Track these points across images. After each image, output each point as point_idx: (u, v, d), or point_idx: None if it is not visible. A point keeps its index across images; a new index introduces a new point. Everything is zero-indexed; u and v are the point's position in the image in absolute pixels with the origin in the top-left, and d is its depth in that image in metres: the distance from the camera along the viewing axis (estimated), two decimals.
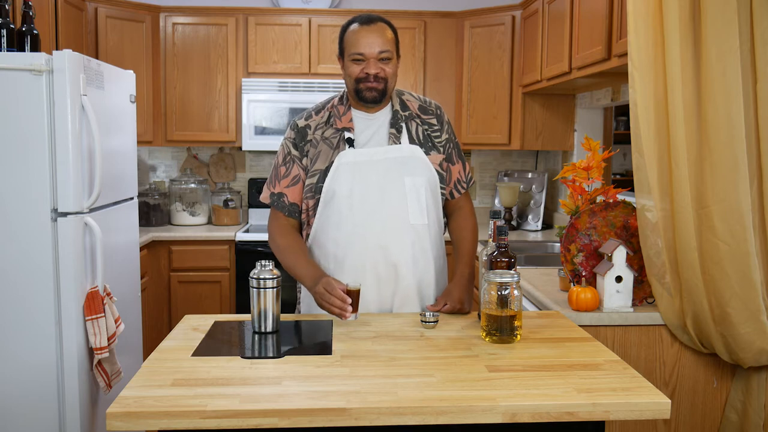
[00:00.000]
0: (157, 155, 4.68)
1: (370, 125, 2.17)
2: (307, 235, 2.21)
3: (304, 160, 2.17)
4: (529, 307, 2.49)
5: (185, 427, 1.37)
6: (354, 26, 2.11)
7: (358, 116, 2.17)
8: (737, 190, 1.98)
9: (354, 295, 1.90)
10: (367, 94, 2.10)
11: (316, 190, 2.13)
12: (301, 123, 2.20)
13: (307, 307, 2.21)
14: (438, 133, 2.21)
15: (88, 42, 3.93)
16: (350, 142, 2.13)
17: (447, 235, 2.32)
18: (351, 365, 1.63)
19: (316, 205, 2.15)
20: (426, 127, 2.20)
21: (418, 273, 2.15)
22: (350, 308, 1.90)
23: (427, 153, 2.16)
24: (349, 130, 2.15)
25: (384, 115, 2.18)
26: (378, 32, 2.08)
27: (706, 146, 2.01)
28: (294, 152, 2.18)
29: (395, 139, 2.15)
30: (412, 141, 2.16)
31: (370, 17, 2.12)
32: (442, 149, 2.21)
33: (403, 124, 2.17)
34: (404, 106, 2.21)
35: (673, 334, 2.21)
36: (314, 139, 2.17)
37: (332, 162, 2.12)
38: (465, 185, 2.29)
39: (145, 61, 4.16)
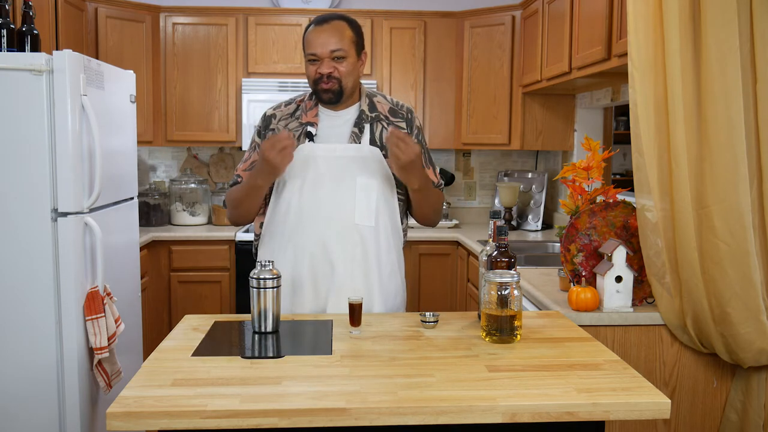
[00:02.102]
0: (157, 155, 4.68)
1: (334, 122, 2.19)
2: (261, 223, 2.24)
3: None
4: (529, 307, 2.49)
5: (185, 427, 1.37)
6: (311, 27, 2.14)
7: (324, 112, 2.21)
8: (737, 190, 1.98)
9: (356, 308, 1.89)
10: (323, 95, 2.14)
11: None
12: (269, 112, 2.28)
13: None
14: None
15: (88, 42, 3.93)
16: (309, 136, 2.15)
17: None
18: (351, 365, 1.63)
19: (271, 193, 2.21)
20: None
21: (356, 275, 2.13)
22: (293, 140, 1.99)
23: (387, 155, 2.13)
24: (313, 125, 2.18)
25: (350, 113, 2.20)
26: (330, 31, 2.09)
27: (706, 146, 2.01)
28: (257, 139, 2.27)
29: (356, 138, 2.16)
30: (372, 142, 2.17)
31: (325, 17, 2.14)
32: None
33: (367, 125, 2.18)
34: (373, 107, 2.21)
35: (673, 334, 2.21)
36: (276, 129, 2.21)
37: None
38: (437, 187, 2.28)
39: (145, 61, 4.16)
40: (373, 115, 2.20)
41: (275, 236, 2.18)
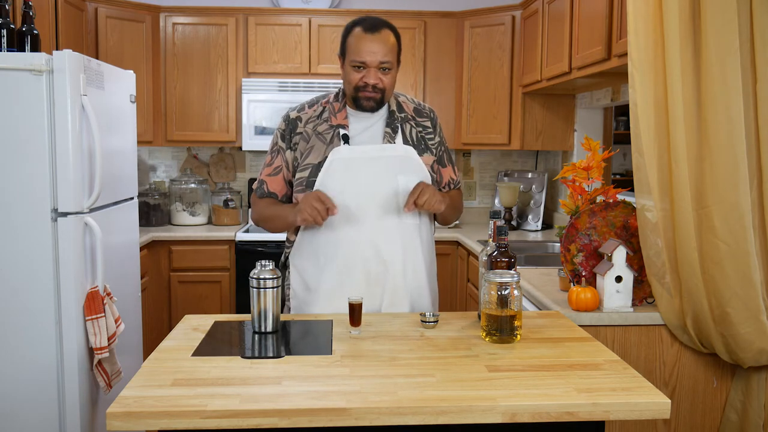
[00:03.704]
0: (157, 155, 4.68)
1: (365, 124, 2.18)
2: (297, 229, 2.22)
3: (288, 153, 2.20)
4: (529, 307, 2.49)
5: (185, 427, 1.37)
6: (358, 31, 2.09)
7: (353, 114, 2.19)
8: (737, 190, 1.98)
9: (356, 308, 1.89)
10: (365, 103, 2.12)
11: (308, 185, 2.13)
12: (293, 115, 2.22)
13: (298, 306, 2.21)
14: (431, 135, 2.25)
15: (88, 42, 3.93)
16: (345, 139, 2.14)
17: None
18: (351, 365, 1.63)
19: None
20: (420, 129, 2.23)
21: (409, 272, 2.16)
22: (327, 210, 2.01)
23: (420, 154, 2.18)
24: (344, 127, 2.16)
25: (378, 114, 2.20)
26: (381, 41, 2.07)
27: (706, 146, 2.01)
28: (281, 143, 2.22)
29: (390, 138, 2.16)
30: (406, 142, 2.18)
31: (375, 23, 2.10)
32: (434, 151, 2.24)
33: (399, 125, 2.19)
34: (400, 107, 2.23)
35: (673, 334, 2.21)
36: (305, 132, 2.18)
37: (326, 157, 2.12)
38: (456, 185, 2.37)
39: (145, 61, 4.16)
40: (402, 115, 2.22)
41: (318, 242, 2.15)
